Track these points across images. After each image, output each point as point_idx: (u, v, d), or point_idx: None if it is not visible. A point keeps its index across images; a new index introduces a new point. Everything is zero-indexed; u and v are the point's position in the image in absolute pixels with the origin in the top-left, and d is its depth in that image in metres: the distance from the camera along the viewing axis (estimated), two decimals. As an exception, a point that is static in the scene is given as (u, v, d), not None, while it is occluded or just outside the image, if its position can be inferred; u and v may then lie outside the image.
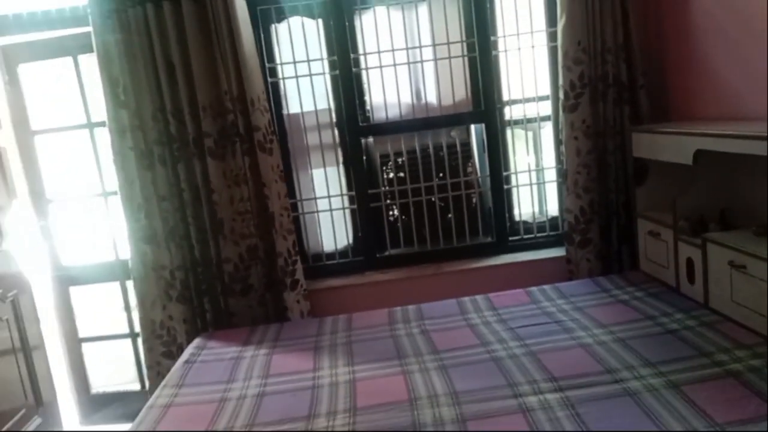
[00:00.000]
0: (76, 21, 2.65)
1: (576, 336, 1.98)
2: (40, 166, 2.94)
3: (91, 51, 2.52)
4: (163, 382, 2.06)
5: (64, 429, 2.87)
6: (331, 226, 2.98)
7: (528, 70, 2.90)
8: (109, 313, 3.06)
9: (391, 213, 3.05)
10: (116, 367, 3.11)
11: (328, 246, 3.01)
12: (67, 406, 2.99)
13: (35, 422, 2.64)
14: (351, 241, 3.02)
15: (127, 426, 1.84)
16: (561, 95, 2.66)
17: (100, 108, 2.61)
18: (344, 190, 2.96)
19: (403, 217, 3.02)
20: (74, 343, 3.05)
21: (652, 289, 2.30)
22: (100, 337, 3.10)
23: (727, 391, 1.52)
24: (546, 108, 2.92)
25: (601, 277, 2.54)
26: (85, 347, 3.06)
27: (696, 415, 1.43)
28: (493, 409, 1.59)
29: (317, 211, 2.97)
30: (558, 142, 2.80)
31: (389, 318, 2.41)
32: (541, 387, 1.67)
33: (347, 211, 2.99)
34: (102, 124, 2.68)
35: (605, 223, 2.69)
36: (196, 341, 2.40)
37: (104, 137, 2.66)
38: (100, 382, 3.10)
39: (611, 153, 2.65)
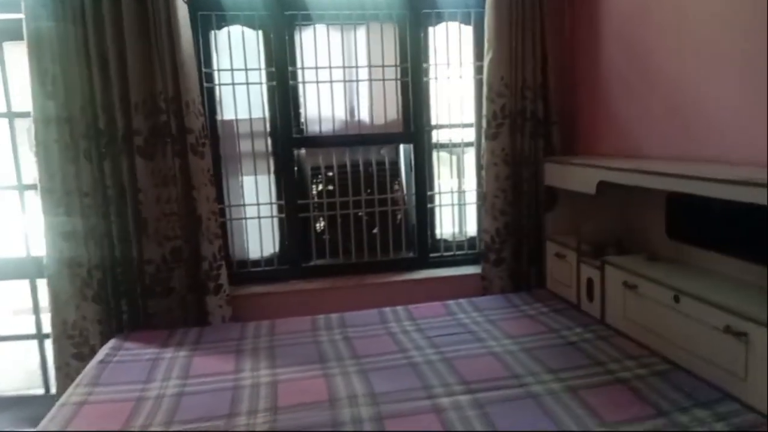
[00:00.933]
0: (7, 6, 2.55)
1: (487, 345, 2.13)
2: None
3: (20, 38, 2.43)
4: (75, 381, 1.99)
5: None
6: (259, 234, 3.00)
7: (455, 98, 3.10)
8: (14, 312, 2.89)
9: (318, 224, 3.12)
10: (18, 370, 2.93)
11: (255, 253, 3.02)
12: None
13: None
14: (277, 249, 3.05)
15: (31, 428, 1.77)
16: (484, 124, 2.86)
17: (22, 97, 2.52)
18: (273, 199, 3.00)
19: (330, 229, 3.09)
20: (-30, 343, 2.86)
21: (556, 305, 2.50)
22: (3, 337, 2.92)
23: (617, 395, 1.71)
24: (470, 134, 3.13)
25: (512, 294, 2.74)
26: (-17, 347, 2.88)
27: (589, 415, 1.60)
28: (408, 409, 1.69)
29: (245, 218, 2.98)
30: (479, 167, 3.00)
31: (312, 325, 2.46)
32: (454, 389, 1.79)
33: (275, 220, 3.03)
34: (23, 114, 2.58)
35: (517, 244, 2.90)
36: (112, 342, 2.34)
37: (25, 128, 2.56)
38: (5, 384, 2.91)
39: (526, 180, 2.87)
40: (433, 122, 3.11)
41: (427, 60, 3.03)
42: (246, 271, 2.97)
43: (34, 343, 2.83)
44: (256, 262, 3.01)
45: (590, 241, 2.43)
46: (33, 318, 2.81)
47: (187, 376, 1.99)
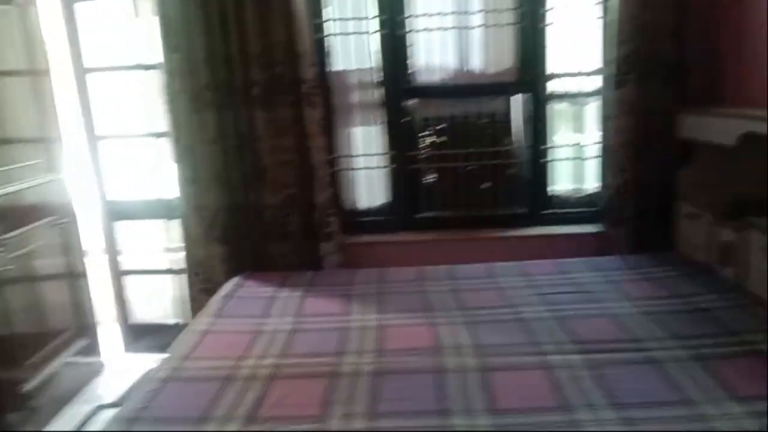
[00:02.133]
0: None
1: (604, 306, 2.01)
2: (92, 103, 3.05)
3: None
4: (201, 312, 2.16)
5: (105, 354, 3.04)
6: (368, 185, 3.03)
7: (578, 43, 2.87)
8: (152, 249, 3.17)
9: (429, 176, 3.08)
10: (156, 301, 3.25)
11: (364, 203, 3.06)
12: (109, 333, 3.16)
13: (78, 344, 2.80)
14: (386, 200, 3.06)
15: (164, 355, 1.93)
16: (610, 71, 2.62)
17: (154, 50, 2.69)
18: (383, 150, 3.00)
19: (440, 181, 3.04)
20: (117, 275, 3.19)
21: (686, 269, 2.29)
22: (142, 271, 3.23)
23: (754, 368, 1.54)
24: (590, 84, 2.89)
25: (635, 256, 2.55)
26: (129, 279, 3.20)
27: (720, 387, 1.46)
28: (516, 363, 1.65)
29: (355, 169, 3.02)
30: (603, 119, 2.78)
31: (420, 275, 2.46)
32: (565, 348, 1.71)
33: (385, 171, 3.03)
34: (154, 66, 2.76)
35: (643, 203, 2.67)
36: (235, 279, 2.50)
37: (157, 80, 2.75)
38: (141, 314, 3.24)
39: (656, 132, 2.61)
40: (551, 71, 2.91)
41: (544, 4, 2.81)
42: (356, 221, 3.02)
43: (172, 277, 3.11)
44: (365, 213, 3.05)
45: (729, 201, 2.17)
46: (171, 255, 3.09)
47: (300, 315, 2.09)
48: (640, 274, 2.30)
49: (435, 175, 3.05)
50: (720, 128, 2.14)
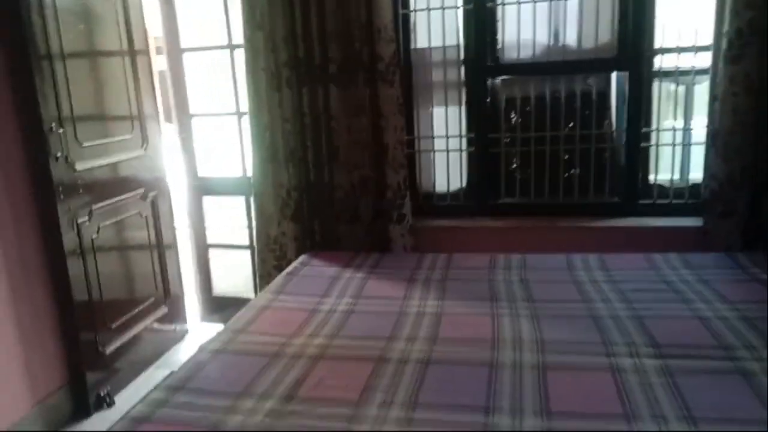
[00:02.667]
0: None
1: (694, 307, 1.77)
2: (186, 82, 3.19)
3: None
4: (265, 289, 2.19)
5: (187, 322, 3.21)
6: (446, 167, 2.92)
7: (688, 14, 2.56)
8: (234, 225, 3.29)
9: (513, 162, 2.91)
10: (236, 275, 3.37)
11: (441, 186, 2.96)
12: (191, 303, 3.33)
13: (162, 311, 2.97)
14: (464, 184, 2.94)
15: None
16: (724, 44, 2.31)
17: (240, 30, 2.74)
18: (464, 132, 2.87)
19: (523, 166, 2.86)
20: (202, 248, 3.35)
21: (800, 272, 1.98)
22: (225, 245, 3.37)
23: None
24: (703, 60, 2.57)
25: (741, 253, 2.24)
26: (212, 252, 3.35)
27: (822, 408, 1.22)
28: (578, 363, 1.49)
29: (434, 150, 2.92)
30: (712, 99, 2.46)
31: (490, 263, 2.33)
32: (639, 351, 1.53)
33: (464, 154, 2.91)
34: (241, 45, 2.82)
35: (756, 194, 2.34)
36: (302, 257, 2.52)
37: (242, 58, 2.81)
38: (221, 286, 3.38)
39: (775, 114, 2.28)
40: (657, 45, 2.62)
41: (652, -32, 2.53)
42: (431, 204, 2.93)
43: (251, 252, 3.20)
44: (442, 196, 2.95)
45: None
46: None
47: (359, 296, 2.04)
48: (743, 274, 2.02)
49: (518, 160, 2.88)
50: None
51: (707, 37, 2.49)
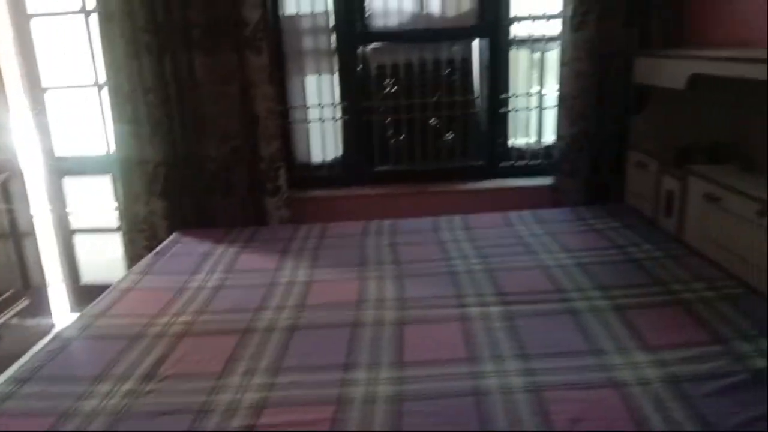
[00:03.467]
0: None
1: (538, 258, 1.96)
2: (35, 52, 2.92)
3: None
4: (130, 270, 2.11)
5: (53, 315, 3.00)
6: (321, 137, 2.94)
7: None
8: (101, 206, 3.10)
9: (386, 128, 2.98)
10: (107, 260, 3.19)
11: (317, 157, 2.98)
12: (58, 293, 3.12)
13: (23, 304, 2.76)
14: (340, 153, 2.98)
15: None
16: (569, 12, 2.49)
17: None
18: (337, 100, 2.90)
19: (396, 133, 2.95)
20: (66, 233, 3.13)
21: (629, 220, 2.24)
22: (91, 230, 3.17)
23: (671, 317, 1.50)
24: (554, 28, 2.76)
25: (584, 207, 2.48)
26: (77, 238, 3.15)
27: (630, 336, 1.42)
28: (432, 316, 1.60)
29: (308, 120, 2.92)
30: (561, 64, 2.66)
31: (363, 229, 2.40)
32: (487, 300, 1.67)
33: (339, 123, 2.94)
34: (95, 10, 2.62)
35: (597, 153, 2.59)
36: (172, 236, 2.45)
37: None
38: (91, 274, 3.19)
39: (614, 78, 2.51)
40: (513, 13, 2.78)
41: (507, -61, 2.66)
42: (308, 175, 2.94)
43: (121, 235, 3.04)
44: (318, 166, 2.97)
45: (677, 149, 2.09)
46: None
47: (231, 271, 2.04)
48: (584, 225, 2.25)
49: (392, 127, 2.95)
50: (671, 71, 2.04)
51: (558, 6, 2.68)
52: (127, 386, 1.35)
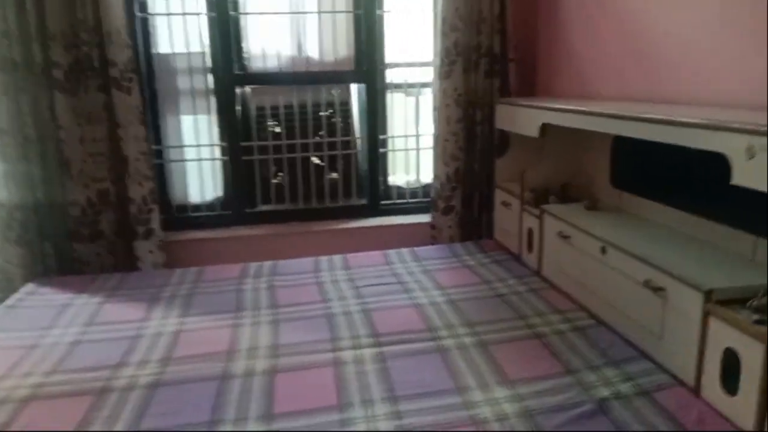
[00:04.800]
0: None
1: (413, 296, 2.02)
2: None
3: None
4: (-26, 327, 1.90)
5: None
6: (199, 177, 2.86)
7: (412, 33, 2.88)
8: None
9: (266, 169, 2.96)
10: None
11: (196, 197, 2.89)
12: None
13: None
14: (220, 194, 2.91)
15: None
16: (437, 61, 2.66)
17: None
18: (216, 140, 2.84)
19: (278, 173, 2.94)
20: None
21: (498, 256, 2.38)
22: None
23: (529, 351, 1.60)
24: (427, 74, 2.92)
25: (458, 244, 2.61)
26: None
27: (492, 372, 1.49)
28: (306, 362, 1.59)
29: (184, 160, 2.83)
30: (434, 108, 2.81)
31: (241, 272, 2.35)
32: (362, 342, 1.69)
33: (218, 163, 2.88)
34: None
35: (468, 192, 2.75)
36: (28, 286, 2.24)
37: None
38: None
39: (479, 123, 2.70)
40: (388, 60, 2.91)
41: (379, -8, 2.79)
42: (186, 216, 2.84)
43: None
44: (197, 207, 2.88)
45: (534, 189, 2.28)
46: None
47: (92, 323, 1.90)
48: (457, 262, 2.36)
49: (273, 168, 2.94)
50: (525, 120, 2.22)
51: (429, 55, 2.84)
52: (-45, 466, 1.20)
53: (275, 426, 1.32)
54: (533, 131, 2.12)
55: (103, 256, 2.52)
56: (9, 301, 2.11)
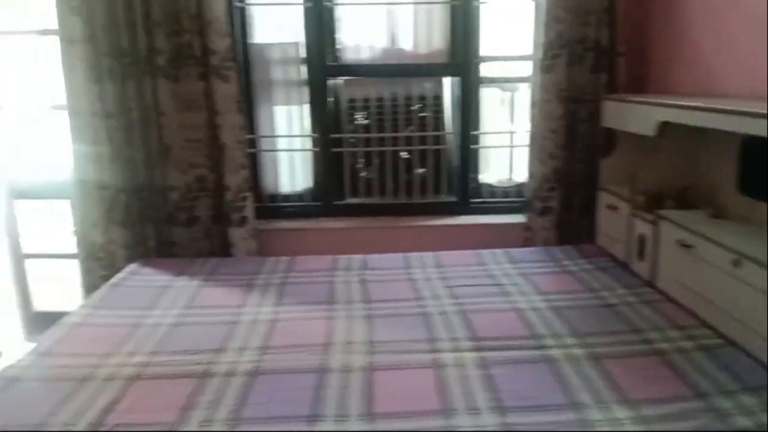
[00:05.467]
0: None
1: (512, 300, 1.91)
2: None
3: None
4: (82, 302, 1.98)
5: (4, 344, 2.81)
6: (290, 168, 2.87)
7: (511, 25, 2.76)
8: (59, 232, 2.94)
9: (357, 163, 2.93)
10: (64, 287, 3.01)
11: (286, 187, 2.90)
12: (9, 321, 2.92)
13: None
14: (310, 184, 2.91)
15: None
16: (539, 54, 2.53)
17: (52, 14, 2.45)
18: (307, 131, 2.84)
19: (367, 166, 2.90)
20: (18, 259, 2.95)
21: (602, 263, 2.22)
22: (45, 255, 3.00)
23: (649, 369, 1.46)
24: (525, 68, 2.79)
25: (556, 247, 2.47)
26: (30, 263, 2.97)
27: (609, 388, 1.37)
28: (404, 362, 1.53)
29: (276, 150, 2.85)
30: (532, 105, 2.68)
31: (332, 264, 2.32)
32: (461, 345, 1.61)
33: (309, 154, 2.88)
34: (53, 32, 2.52)
35: (568, 193, 2.60)
36: (131, 267, 2.32)
37: (56, 46, 2.50)
38: (45, 301, 3.01)
39: (582, 121, 2.54)
40: (484, 53, 2.80)
41: (480, -20, 2.69)
42: (276, 206, 2.86)
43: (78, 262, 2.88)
44: (287, 197, 2.89)
45: (647, 193, 2.11)
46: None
47: (191, 306, 1.93)
48: (557, 266, 2.23)
49: (362, 160, 2.91)
50: (640, 117, 2.06)
51: (528, 48, 2.71)
52: (69, 438, 1.23)
53: (377, 427, 1.27)
54: (649, 129, 1.95)
55: (198, 241, 2.58)
56: (113, 280, 2.18)
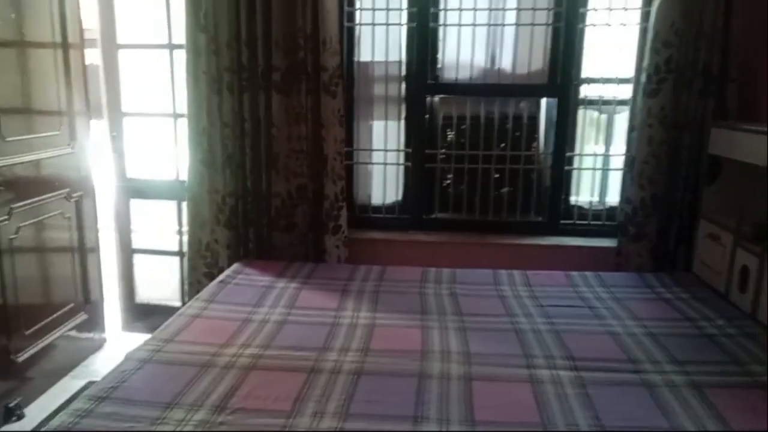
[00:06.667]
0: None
1: (606, 323, 1.91)
2: (119, 79, 3.08)
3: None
4: (196, 296, 2.16)
5: (105, 330, 3.07)
6: (383, 180, 2.98)
7: (614, 48, 2.75)
8: (163, 230, 3.20)
9: (447, 178, 3.00)
10: (162, 282, 3.27)
11: (377, 199, 3.02)
12: (112, 310, 3.19)
13: (80, 317, 2.84)
14: (400, 197, 3.01)
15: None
16: (643, 78, 2.51)
17: (181, 30, 2.69)
18: (401, 146, 2.95)
19: (456, 182, 2.97)
20: (127, 252, 3.23)
21: (699, 292, 2.17)
22: (151, 251, 3.26)
23: (752, 400, 1.43)
24: (624, 91, 2.77)
25: (650, 274, 2.43)
26: (137, 258, 3.24)
27: (712, 417, 1.36)
28: (501, 374, 1.58)
29: (371, 163, 2.98)
30: (630, 128, 2.66)
31: (422, 276, 2.40)
32: (557, 363, 1.64)
33: (401, 168, 2.98)
34: (181, 46, 2.77)
35: (665, 220, 2.55)
36: (235, 266, 2.49)
37: (182, 59, 2.75)
38: (145, 293, 3.27)
39: (686, 147, 2.49)
40: (584, 75, 2.80)
41: (585, 4, 2.70)
42: (367, 216, 2.98)
43: (180, 259, 3.12)
44: (377, 209, 3.01)
45: (754, 223, 2.05)
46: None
47: (293, 307, 2.06)
48: (651, 293, 2.20)
49: (452, 176, 2.98)
50: (752, 146, 2.01)
51: (629, 71, 2.69)
52: (199, 416, 1.36)
53: (479, 433, 1.33)
54: (762, 159, 1.91)
55: (294, 246, 2.73)
56: (220, 277, 2.36)
